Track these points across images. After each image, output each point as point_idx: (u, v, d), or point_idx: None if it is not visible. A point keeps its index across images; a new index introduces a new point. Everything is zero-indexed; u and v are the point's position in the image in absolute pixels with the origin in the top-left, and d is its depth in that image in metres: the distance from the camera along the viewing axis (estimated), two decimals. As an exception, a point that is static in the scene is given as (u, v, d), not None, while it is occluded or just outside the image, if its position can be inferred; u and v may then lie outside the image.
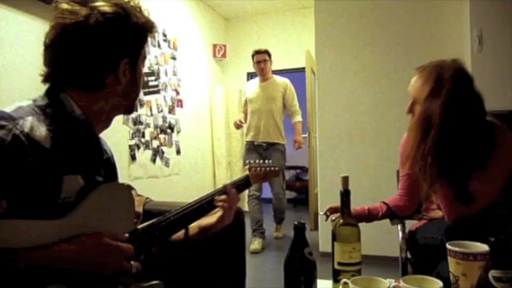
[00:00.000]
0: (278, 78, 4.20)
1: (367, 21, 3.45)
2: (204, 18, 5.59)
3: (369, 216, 1.67)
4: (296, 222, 1.01)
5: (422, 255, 1.55)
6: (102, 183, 1.02)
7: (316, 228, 4.07)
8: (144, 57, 1.07)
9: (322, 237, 3.49)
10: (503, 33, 2.92)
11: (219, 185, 5.76)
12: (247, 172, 1.46)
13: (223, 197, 1.23)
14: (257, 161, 1.51)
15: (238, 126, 4.34)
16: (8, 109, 0.88)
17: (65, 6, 0.94)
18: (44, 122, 0.89)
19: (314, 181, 4.48)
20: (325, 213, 1.58)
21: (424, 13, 3.30)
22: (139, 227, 1.04)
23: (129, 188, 1.02)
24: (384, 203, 1.71)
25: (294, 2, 5.58)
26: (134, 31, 1.00)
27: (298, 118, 4.19)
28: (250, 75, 6.16)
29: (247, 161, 1.56)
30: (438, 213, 1.60)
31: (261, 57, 4.11)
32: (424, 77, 1.48)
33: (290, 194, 7.34)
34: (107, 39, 0.96)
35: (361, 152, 3.44)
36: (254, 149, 4.10)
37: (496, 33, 2.93)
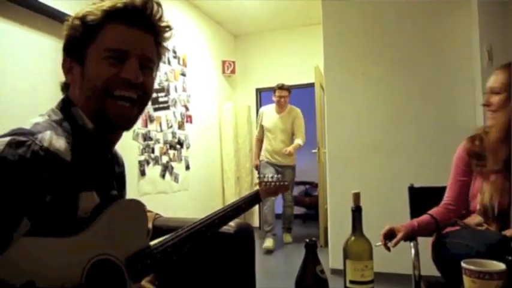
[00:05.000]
0: (292, 109, 4.73)
1: (375, 38, 3.46)
2: (213, 35, 5.65)
3: (419, 230, 1.65)
4: (307, 240, 1.00)
5: (447, 260, 1.55)
6: (116, 198, 1.02)
7: (326, 244, 4.02)
8: None
9: (332, 254, 3.44)
10: (514, 48, 2.91)
11: (228, 201, 5.75)
12: (257, 187, 1.46)
13: None
14: (268, 176, 1.53)
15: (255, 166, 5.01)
16: (25, 126, 0.87)
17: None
18: (63, 136, 0.87)
19: (324, 196, 4.44)
20: (384, 244, 1.58)
21: (432, 29, 3.31)
22: (151, 243, 1.04)
23: (142, 204, 1.00)
24: (431, 216, 1.68)
25: (302, 19, 5.63)
26: None
27: (299, 141, 4.65)
28: (259, 91, 6.20)
29: (261, 175, 1.59)
30: (474, 220, 1.59)
31: (283, 93, 4.64)
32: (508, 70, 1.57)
33: (299, 210, 7.26)
34: None
35: (371, 167, 3.41)
36: (271, 164, 4.63)
37: (506, 48, 2.92)
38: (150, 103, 4.35)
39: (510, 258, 0.83)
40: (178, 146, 4.50)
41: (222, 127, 5.71)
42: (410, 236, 1.63)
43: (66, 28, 0.94)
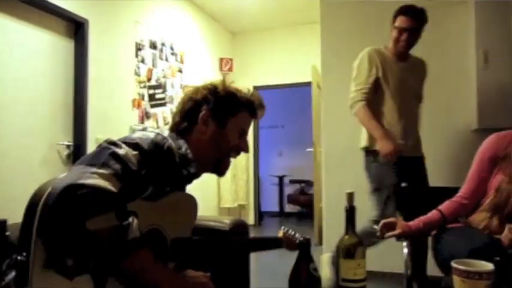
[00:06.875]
0: (412, 56, 2.68)
1: (373, 38, 3.47)
2: (211, 32, 5.65)
3: (424, 230, 1.65)
4: (301, 238, 1.01)
5: (444, 257, 1.55)
6: None
7: (320, 243, 4.05)
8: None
9: (326, 253, 3.46)
10: (509, 51, 2.93)
11: (224, 199, 5.72)
12: (280, 234, 1.50)
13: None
14: (290, 231, 1.50)
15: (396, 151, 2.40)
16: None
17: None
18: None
19: (319, 195, 4.47)
20: (380, 231, 1.60)
21: (429, 30, 3.32)
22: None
23: (197, 202, 1.22)
24: (440, 212, 1.67)
25: (300, 17, 5.64)
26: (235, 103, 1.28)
27: None
28: (257, 89, 6.18)
29: (283, 227, 1.53)
30: (480, 216, 1.57)
31: (411, 23, 2.46)
32: None
33: (294, 208, 7.34)
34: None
35: (366, 167, 3.42)
36: (402, 162, 2.44)
37: (501, 51, 2.94)
38: (147, 99, 4.33)
39: (498, 258, 0.85)
40: (174, 143, 4.51)
41: (218, 124, 5.71)
42: (412, 236, 1.64)
43: (212, 93, 1.24)
